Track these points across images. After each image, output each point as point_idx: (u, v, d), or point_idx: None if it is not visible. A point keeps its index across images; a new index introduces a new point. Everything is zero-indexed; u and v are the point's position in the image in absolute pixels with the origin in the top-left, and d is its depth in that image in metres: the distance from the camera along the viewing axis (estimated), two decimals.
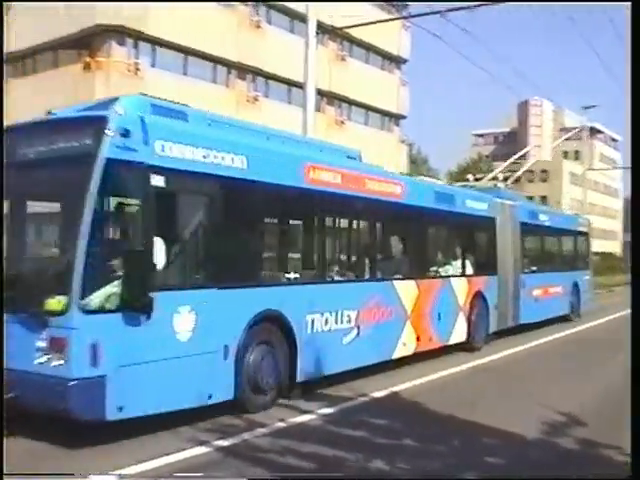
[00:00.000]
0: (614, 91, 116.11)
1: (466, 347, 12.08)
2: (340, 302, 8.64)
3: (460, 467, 5.71)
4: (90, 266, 5.63)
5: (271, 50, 27.07)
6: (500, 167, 19.15)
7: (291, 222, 8.80)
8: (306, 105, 13.63)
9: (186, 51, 25.14)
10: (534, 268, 15.52)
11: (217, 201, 6.89)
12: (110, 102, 6.39)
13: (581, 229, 19.59)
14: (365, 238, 9.75)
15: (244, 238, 7.34)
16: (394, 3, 31.93)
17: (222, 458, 5.76)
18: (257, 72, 28.14)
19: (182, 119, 7.02)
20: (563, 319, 17.03)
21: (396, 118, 37.58)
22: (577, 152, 72.05)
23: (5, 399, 5.54)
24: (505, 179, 18.29)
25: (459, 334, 11.83)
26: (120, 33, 23.45)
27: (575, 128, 42.28)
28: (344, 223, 9.56)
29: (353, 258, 9.46)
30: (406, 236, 10.79)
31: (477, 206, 12.85)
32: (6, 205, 6.42)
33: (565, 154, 73.79)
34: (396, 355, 9.96)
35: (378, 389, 8.52)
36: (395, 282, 9.97)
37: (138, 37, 23.74)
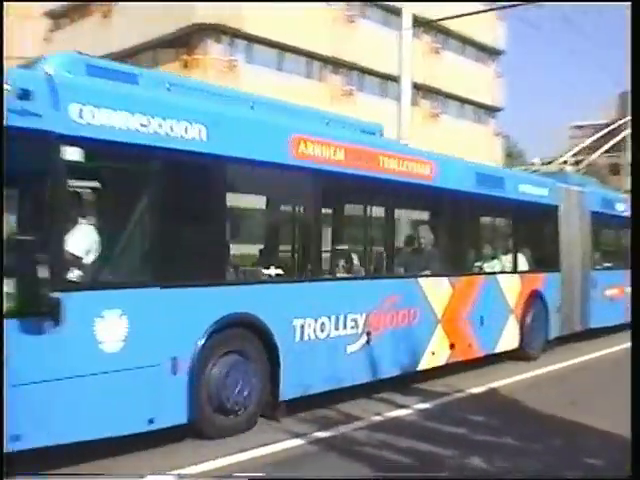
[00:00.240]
0: None
1: (519, 355, 10.35)
2: (342, 304, 7.19)
3: (559, 467, 5.50)
4: None
5: (365, 44, 27.22)
6: (573, 150, 16.93)
7: (273, 205, 7.39)
8: (401, 98, 13.65)
9: (281, 47, 25.78)
10: (608, 264, 13.42)
11: (161, 179, 5.56)
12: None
13: None
14: (378, 227, 8.16)
15: (199, 225, 5.92)
16: None
17: (318, 451, 5.72)
18: (351, 66, 28.46)
19: (130, 82, 5.81)
20: None
21: (491, 111, 37.08)
22: None
23: None
24: (576, 163, 16.11)
25: (509, 341, 10.10)
26: (216, 31, 24.22)
27: None
28: (350, 209, 8.09)
29: (361, 251, 7.89)
30: (437, 226, 9.19)
31: (534, 191, 10.99)
32: None
33: None
34: (423, 366, 8.41)
35: (475, 385, 8.38)
36: (421, 280, 8.40)
37: (234, 35, 24.51)
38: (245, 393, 6.12)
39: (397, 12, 14.88)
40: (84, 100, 5.06)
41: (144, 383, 5.37)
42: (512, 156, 57.44)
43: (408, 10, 13.85)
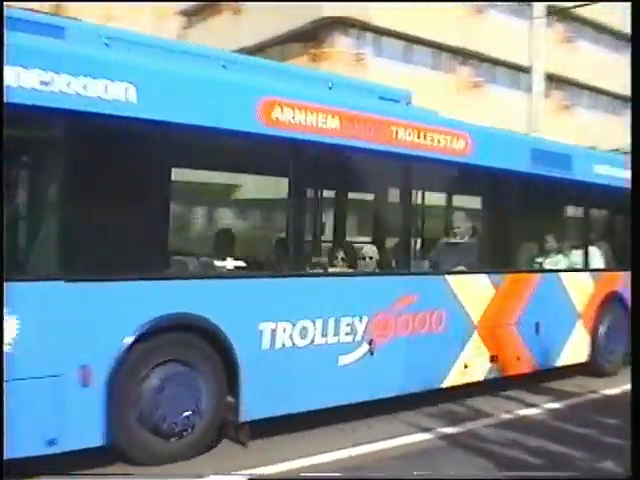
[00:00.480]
0: None
1: (590, 370, 8.62)
2: (332, 305, 5.91)
3: None
4: None
5: (495, 35, 25.92)
6: None
7: (232, 182, 6.17)
8: (532, 89, 13.51)
9: (408, 39, 25.33)
10: None
11: (70, 147, 4.54)
12: None
13: None
14: (390, 212, 6.77)
15: (122, 206, 4.80)
16: None
17: (446, 445, 5.72)
18: (480, 57, 27.25)
19: (54, 35, 4.86)
20: None
21: (628, 101, 33.69)
22: None
23: None
24: None
25: (575, 353, 8.40)
26: (344, 25, 24.15)
27: None
28: (350, 188, 6.77)
29: (363, 241, 6.54)
30: (476, 213, 7.64)
31: (613, 173, 9.12)
32: None
33: None
34: (450, 382, 6.95)
35: (609, 387, 8.14)
36: (449, 277, 6.94)
37: (362, 27, 24.30)
38: (188, 412, 5.02)
39: (528, 1, 13.61)
40: None
41: (42, 397, 4.39)
42: None
43: None
